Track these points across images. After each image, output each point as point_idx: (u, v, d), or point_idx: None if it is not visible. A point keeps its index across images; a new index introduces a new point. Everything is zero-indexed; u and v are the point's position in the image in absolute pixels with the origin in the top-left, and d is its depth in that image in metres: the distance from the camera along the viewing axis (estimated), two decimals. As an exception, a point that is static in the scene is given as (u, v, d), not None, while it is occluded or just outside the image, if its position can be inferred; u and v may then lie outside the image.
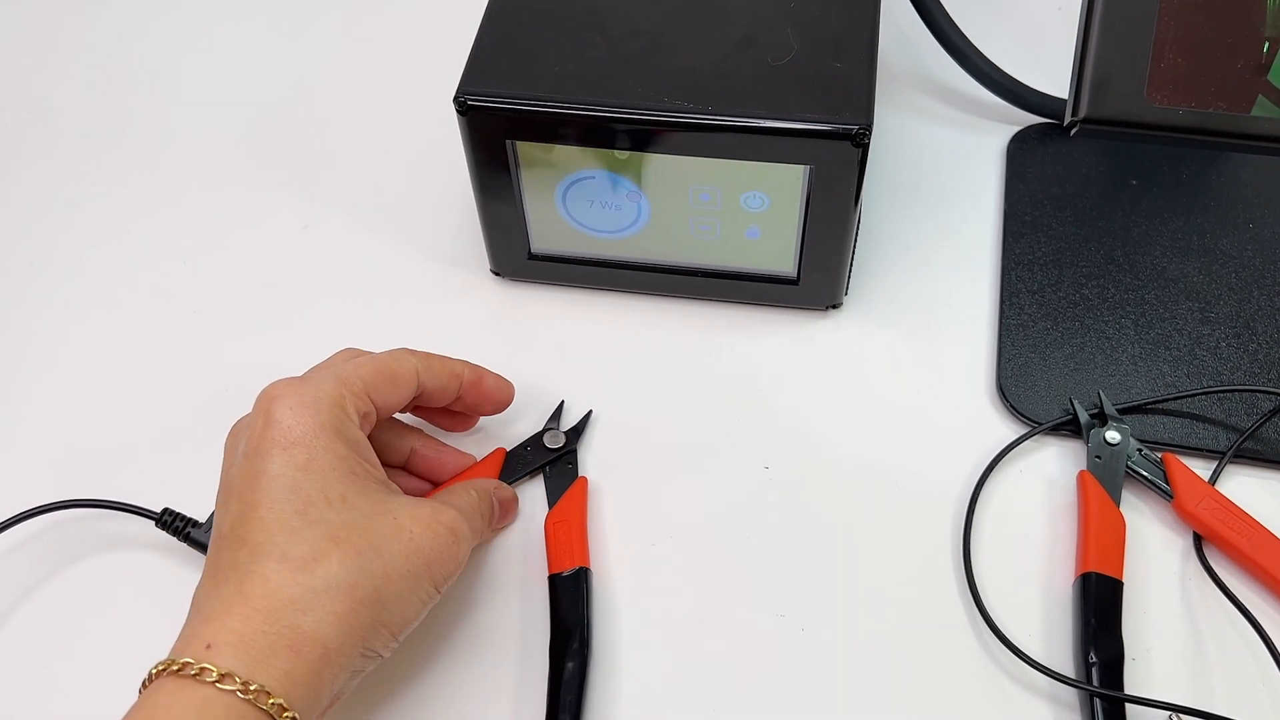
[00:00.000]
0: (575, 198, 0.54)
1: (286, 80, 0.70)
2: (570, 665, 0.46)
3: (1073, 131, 0.46)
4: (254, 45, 0.72)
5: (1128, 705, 0.45)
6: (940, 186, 0.62)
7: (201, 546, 0.50)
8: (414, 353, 0.49)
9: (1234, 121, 0.46)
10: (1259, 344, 0.55)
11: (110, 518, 0.51)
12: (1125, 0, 0.45)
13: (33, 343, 0.59)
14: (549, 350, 0.57)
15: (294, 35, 0.72)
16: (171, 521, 0.50)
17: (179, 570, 0.51)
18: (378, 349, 0.58)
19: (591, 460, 0.53)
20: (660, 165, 0.52)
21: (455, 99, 0.50)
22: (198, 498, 0.51)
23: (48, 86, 0.70)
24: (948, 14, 0.61)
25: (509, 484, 0.52)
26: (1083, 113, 0.45)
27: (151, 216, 0.63)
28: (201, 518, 0.50)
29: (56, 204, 0.64)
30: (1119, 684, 0.46)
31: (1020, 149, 0.63)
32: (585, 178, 0.53)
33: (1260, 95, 0.49)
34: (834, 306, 0.58)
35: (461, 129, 0.52)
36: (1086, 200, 0.60)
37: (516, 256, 0.58)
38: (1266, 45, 0.48)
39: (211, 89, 0.69)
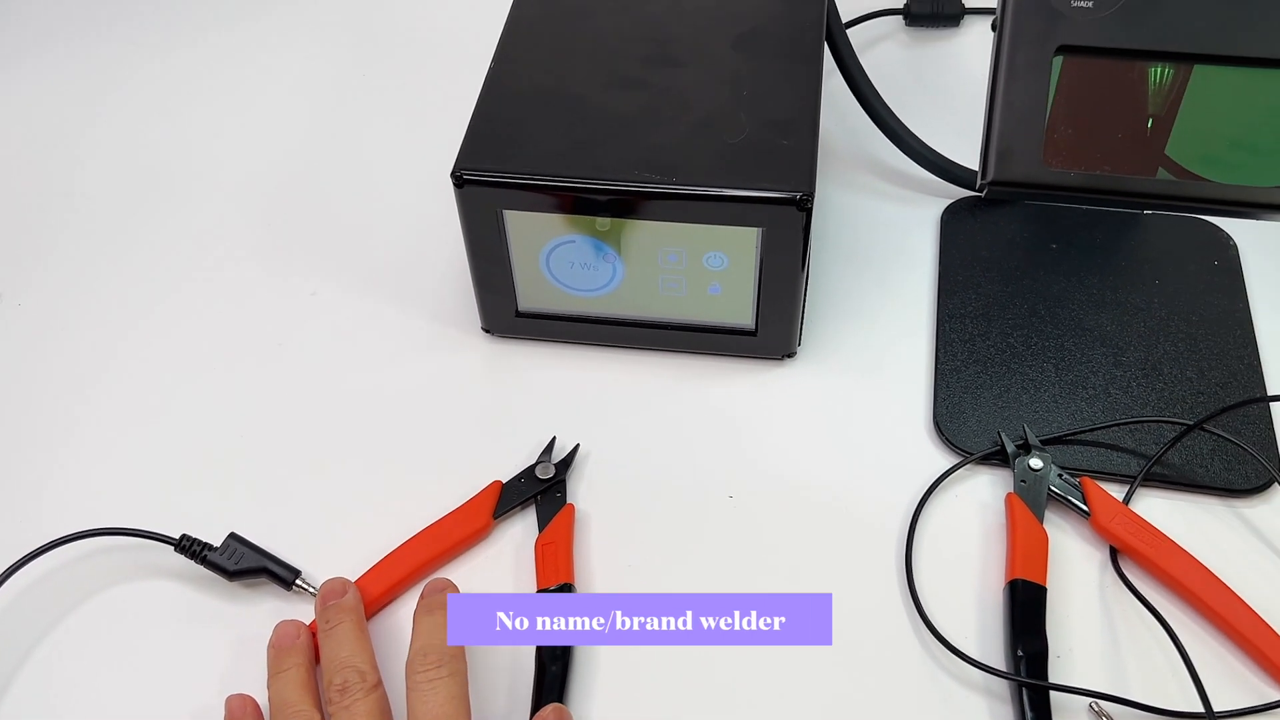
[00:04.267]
0: (558, 260, 0.61)
1: (296, 161, 0.77)
2: (553, 668, 0.52)
3: (984, 193, 0.54)
4: (265, 129, 0.79)
5: (1052, 694, 0.51)
6: (882, 252, 0.70)
7: (216, 568, 0.55)
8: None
9: (1119, 182, 0.53)
10: (1165, 383, 0.62)
11: (132, 545, 0.57)
12: (1022, 82, 0.53)
13: (71, 395, 0.65)
14: (537, 398, 0.63)
15: (301, 119, 0.80)
16: (189, 546, 0.56)
17: (196, 592, 0.56)
18: (378, 399, 0.64)
19: (578, 491, 0.59)
20: (633, 230, 0.59)
21: (453, 174, 0.57)
22: (212, 525, 0.57)
23: (80, 174, 0.77)
24: (884, 100, 0.70)
25: (503, 513, 0.58)
26: (990, 176, 0.53)
27: (180, 285, 0.70)
28: (216, 543, 0.56)
29: (94, 278, 0.71)
30: (1043, 676, 0.51)
31: (952, 218, 0.70)
32: (567, 242, 0.60)
33: (1160, 167, 0.57)
34: (789, 355, 0.64)
35: (458, 201, 0.58)
36: (1012, 262, 0.68)
37: (505, 315, 0.64)
38: (1151, 120, 0.56)
39: (228, 171, 0.77)
